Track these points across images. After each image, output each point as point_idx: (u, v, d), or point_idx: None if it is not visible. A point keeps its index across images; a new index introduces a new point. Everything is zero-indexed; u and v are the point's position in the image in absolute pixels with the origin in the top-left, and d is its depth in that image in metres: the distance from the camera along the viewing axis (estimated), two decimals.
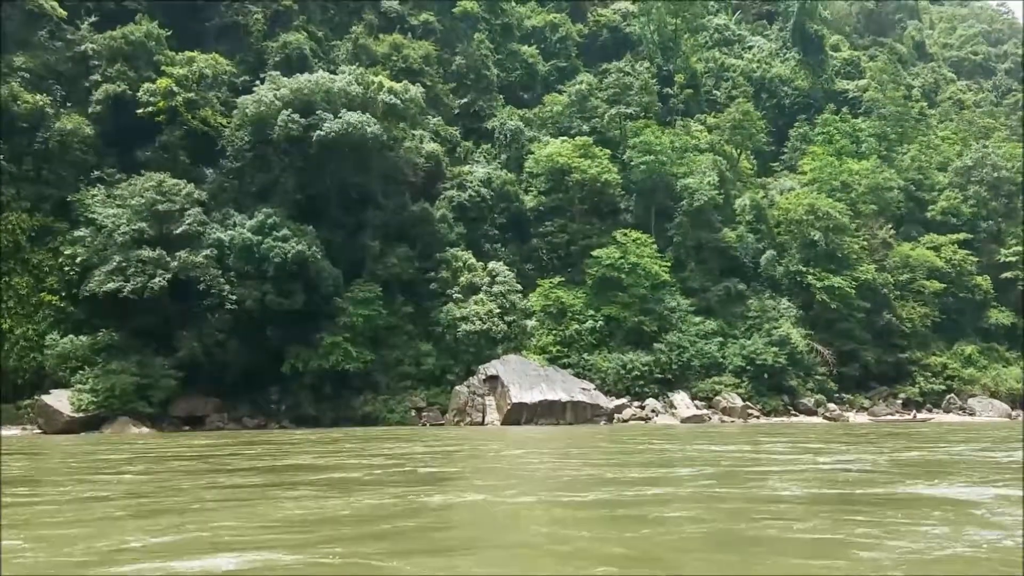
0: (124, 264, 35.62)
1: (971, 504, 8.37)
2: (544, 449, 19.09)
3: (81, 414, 34.10)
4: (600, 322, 44.27)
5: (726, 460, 14.94)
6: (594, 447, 19.64)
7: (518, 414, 35.53)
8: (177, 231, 37.03)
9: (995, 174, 57.39)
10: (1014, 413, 46.23)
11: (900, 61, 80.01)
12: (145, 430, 34.31)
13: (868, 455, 16.02)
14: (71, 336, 36.22)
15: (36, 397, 35.30)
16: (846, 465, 13.69)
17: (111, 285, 35.22)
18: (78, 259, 37.13)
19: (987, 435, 24.72)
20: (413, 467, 13.96)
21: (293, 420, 39.03)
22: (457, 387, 38.33)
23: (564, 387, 36.86)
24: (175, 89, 40.80)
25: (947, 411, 46.87)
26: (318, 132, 39.73)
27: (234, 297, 37.26)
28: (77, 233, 37.35)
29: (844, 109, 65.02)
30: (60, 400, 34.50)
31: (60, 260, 37.71)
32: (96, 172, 39.98)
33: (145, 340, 37.23)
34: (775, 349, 43.79)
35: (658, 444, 20.33)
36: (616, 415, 38.04)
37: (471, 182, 47.75)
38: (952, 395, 48.08)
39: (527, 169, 50.47)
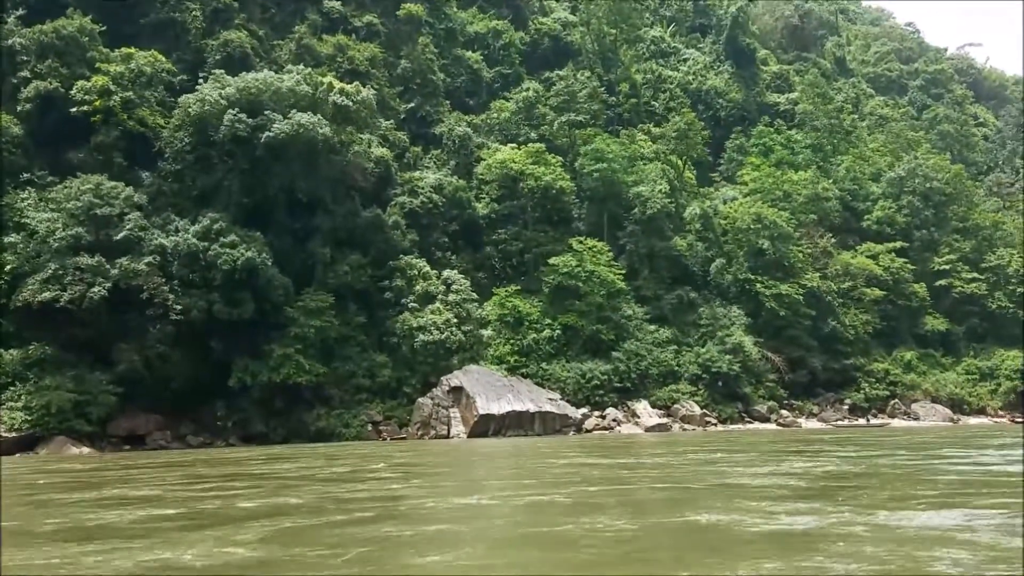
0: (60, 272, 33.14)
1: None
2: (559, 465, 18.11)
3: (14, 434, 31.48)
4: (558, 331, 43.57)
5: (818, 475, 14.28)
6: (618, 468, 18.72)
7: (485, 426, 34.47)
8: (117, 237, 34.70)
9: (927, 184, 59.24)
10: (955, 417, 47.45)
11: (823, 76, 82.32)
12: (85, 450, 31.85)
13: (905, 459, 15.65)
14: (0, 350, 33.50)
15: None
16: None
17: (46, 295, 32.68)
18: (7, 267, 34.39)
19: (970, 440, 24.92)
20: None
21: (241, 438, 37.06)
22: (420, 399, 37.00)
23: (531, 397, 35.99)
24: (111, 87, 38.38)
25: (892, 416, 47.78)
26: (267, 133, 37.95)
27: (179, 307, 35.10)
28: (7, 239, 34.58)
29: (778, 121, 66.17)
30: None
31: None
32: (26, 175, 37.33)
33: (80, 353, 34.71)
34: (729, 357, 43.91)
35: (677, 457, 19.63)
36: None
37: (423, 188, 46.52)
38: (896, 400, 49.04)
39: (479, 175, 49.58)
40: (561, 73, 59.58)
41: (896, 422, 46.02)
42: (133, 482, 15.40)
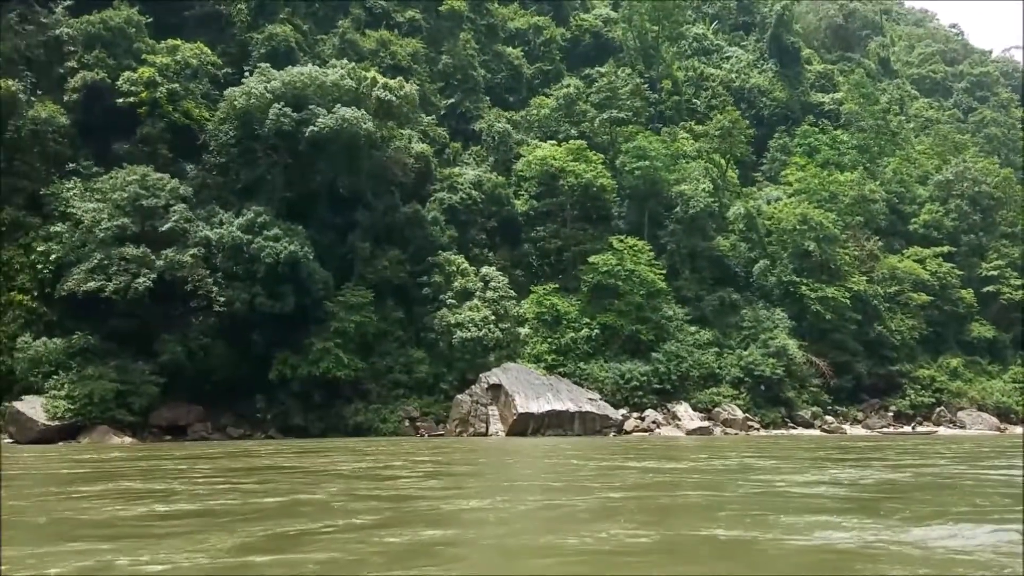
0: (106, 262, 33.26)
1: None
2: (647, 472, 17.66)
3: (57, 422, 31.65)
4: (596, 330, 43.01)
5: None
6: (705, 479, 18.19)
7: (524, 424, 34.08)
8: (162, 228, 34.77)
9: (975, 188, 57.92)
10: (1002, 426, 46.29)
11: (868, 76, 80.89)
12: (127, 440, 31.97)
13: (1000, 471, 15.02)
14: (44, 339, 33.75)
15: (6, 403, 32.68)
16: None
17: (91, 284, 32.83)
18: (52, 256, 34.67)
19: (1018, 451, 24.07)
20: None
21: (280, 430, 37.01)
22: (458, 396, 36.70)
23: (571, 397, 35.54)
24: (157, 79, 38.50)
25: (937, 424, 46.71)
26: (311, 127, 37.84)
27: (222, 299, 35.15)
28: (52, 229, 34.82)
29: (823, 121, 65.07)
30: (34, 407, 32.00)
31: (32, 257, 35.20)
32: (71, 164, 37.54)
33: (123, 344, 34.91)
34: (772, 360, 43.07)
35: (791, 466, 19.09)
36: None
37: (462, 184, 46.21)
38: (942, 408, 47.95)
39: (518, 172, 49.19)
40: (602, 70, 59.06)
41: (942, 430, 44.95)
42: (155, 474, 15.18)
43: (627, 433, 36.78)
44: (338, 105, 38.80)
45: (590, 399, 36.19)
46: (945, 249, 55.15)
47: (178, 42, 40.87)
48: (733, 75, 67.69)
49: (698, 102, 64.70)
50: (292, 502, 10.23)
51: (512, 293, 43.21)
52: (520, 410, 34.06)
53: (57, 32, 39.13)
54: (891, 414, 47.25)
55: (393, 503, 10.17)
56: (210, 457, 20.91)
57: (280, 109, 37.69)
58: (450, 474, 15.61)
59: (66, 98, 38.15)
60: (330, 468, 16.54)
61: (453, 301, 41.32)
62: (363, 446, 26.68)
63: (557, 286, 45.58)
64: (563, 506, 10.00)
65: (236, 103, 38.50)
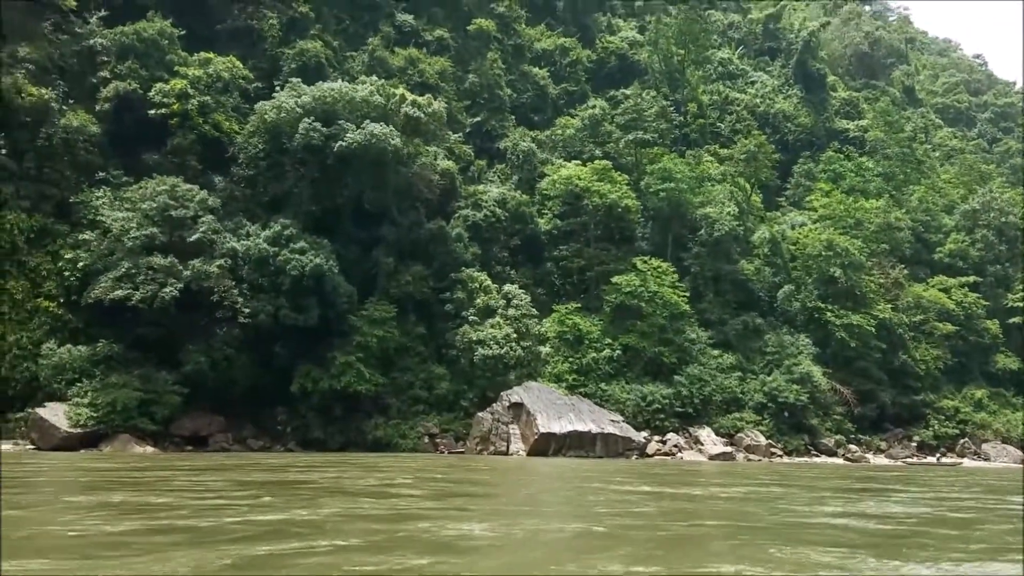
0: (133, 271, 33.33)
1: None
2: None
3: (79, 430, 31.55)
4: (618, 351, 42.79)
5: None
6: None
7: (545, 445, 33.82)
8: (190, 239, 34.86)
9: (1002, 219, 57.44)
10: None
11: (893, 104, 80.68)
12: (149, 449, 31.92)
13: None
14: (68, 346, 33.78)
15: (29, 410, 32.72)
16: None
17: (119, 292, 32.88)
18: (80, 264, 34.72)
19: None
20: None
21: (300, 443, 36.88)
22: (479, 414, 36.50)
23: (593, 418, 35.27)
24: (189, 91, 38.79)
25: (961, 455, 46.09)
26: (340, 142, 37.96)
27: (247, 310, 35.15)
28: (81, 236, 34.96)
29: (848, 148, 64.85)
30: (56, 414, 31.94)
31: (60, 264, 35.25)
32: (101, 173, 37.71)
33: (147, 352, 34.89)
34: (796, 387, 42.65)
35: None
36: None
37: (486, 202, 46.27)
38: (966, 440, 47.30)
39: (543, 191, 49.21)
40: (627, 92, 59.17)
41: (966, 462, 44.31)
42: (160, 487, 14.97)
43: (649, 456, 36.42)
44: (367, 121, 38.96)
45: (612, 421, 35.90)
46: (971, 279, 54.66)
47: (210, 55, 41.20)
48: (758, 100, 67.68)
49: (722, 126, 64.69)
50: (285, 521, 9.90)
51: (534, 311, 43.09)
52: (542, 430, 33.81)
53: (91, 42, 39.46)
54: (915, 444, 46.66)
55: (389, 524, 9.83)
56: (222, 469, 20.77)
57: (310, 124, 37.86)
58: (458, 494, 15.25)
59: (98, 108, 38.39)
60: (338, 484, 16.31)
61: (475, 318, 41.25)
62: (378, 461, 26.50)
63: (579, 305, 45.43)
64: (567, 533, 9.66)
65: (266, 117, 38.73)
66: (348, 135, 38.00)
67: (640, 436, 36.62)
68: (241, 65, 42.42)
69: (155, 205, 34.66)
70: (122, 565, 6.71)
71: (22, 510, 11.04)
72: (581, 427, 34.32)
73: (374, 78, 43.44)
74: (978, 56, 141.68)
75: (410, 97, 42.31)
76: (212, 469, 20.59)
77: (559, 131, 55.30)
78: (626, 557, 7.55)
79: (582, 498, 14.79)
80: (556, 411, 35.09)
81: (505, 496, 15.79)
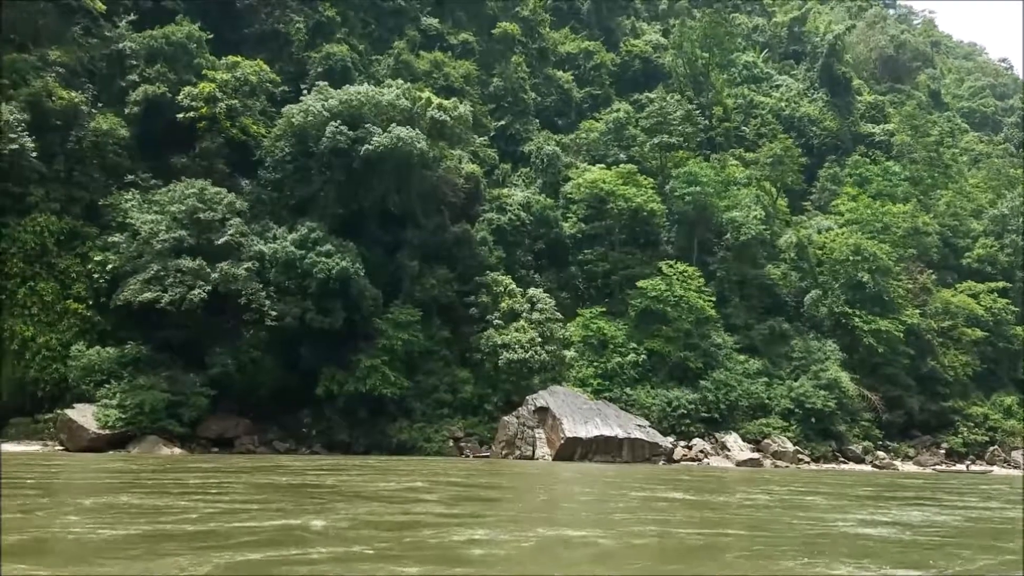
0: (162, 273, 33.52)
1: None
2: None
3: (107, 431, 31.76)
4: (643, 356, 42.52)
5: None
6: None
7: (571, 449, 33.64)
8: (218, 241, 35.02)
9: None
10: None
11: (919, 107, 79.86)
12: (177, 451, 32.04)
13: None
14: (97, 347, 34.00)
15: (58, 411, 32.94)
16: None
17: (148, 295, 33.07)
18: (109, 266, 34.97)
19: None
20: None
21: (325, 446, 36.92)
22: (505, 418, 36.36)
23: (619, 423, 35.04)
24: (217, 95, 38.97)
25: (991, 463, 45.41)
26: (366, 146, 37.99)
27: (274, 313, 35.23)
28: (111, 239, 35.17)
29: (875, 152, 64.23)
30: (85, 415, 32.18)
31: (89, 266, 35.52)
32: (130, 176, 37.96)
33: (173, 355, 35.07)
34: (824, 393, 42.18)
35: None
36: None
37: (511, 205, 46.19)
38: (995, 447, 46.64)
39: (567, 194, 49.09)
40: (651, 95, 58.92)
41: (996, 469, 43.66)
42: (175, 489, 14.91)
43: (675, 462, 36.15)
44: (393, 124, 38.98)
45: (639, 425, 35.65)
46: (1000, 284, 53.87)
47: (238, 59, 41.41)
48: (783, 103, 67.15)
49: (747, 130, 64.19)
50: (292, 526, 9.73)
51: (558, 315, 42.91)
52: (568, 434, 33.63)
53: (120, 46, 39.81)
54: (943, 451, 46.03)
55: (396, 531, 9.61)
56: (243, 471, 20.75)
57: (337, 127, 37.94)
58: (475, 499, 14.99)
59: (127, 111, 38.70)
60: (355, 488, 16.15)
61: (500, 322, 41.13)
62: (400, 465, 26.41)
63: (604, 310, 45.19)
64: (578, 543, 9.35)
65: (293, 120, 38.87)
66: (375, 138, 38.03)
67: (667, 441, 36.34)
68: (268, 69, 42.60)
69: (184, 208, 34.84)
70: (101, 571, 6.57)
71: (30, 513, 10.93)
72: (608, 432, 34.10)
73: (400, 81, 43.51)
74: (1004, 60, 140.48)
75: (436, 101, 42.31)
76: (233, 471, 20.60)
77: (583, 135, 55.17)
78: (636, 568, 7.33)
79: (605, 505, 14.57)
80: (582, 416, 34.91)
81: (524, 501, 15.55)
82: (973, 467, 43.25)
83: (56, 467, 21.00)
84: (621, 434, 34.29)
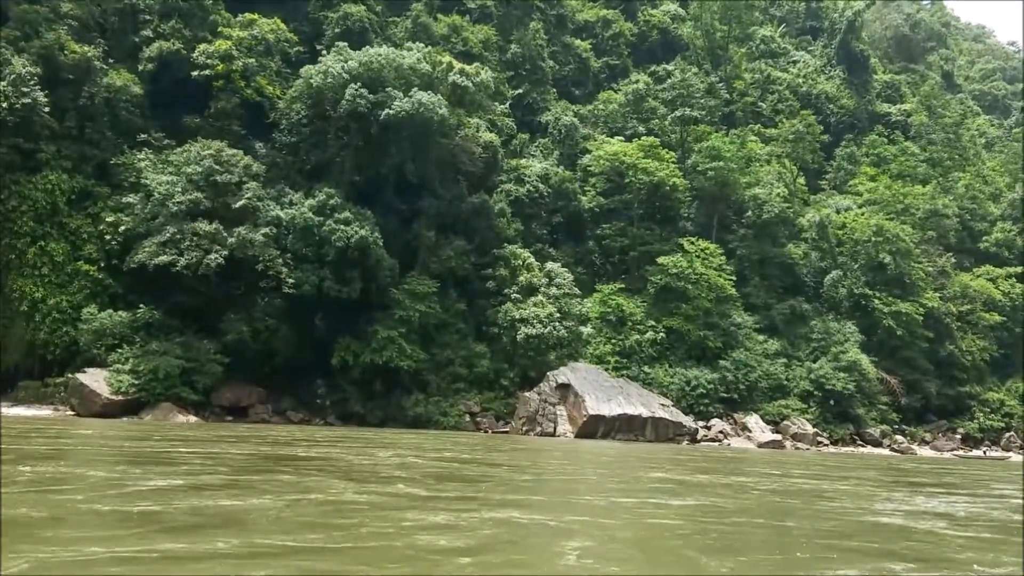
0: (178, 236, 32.47)
1: None
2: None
3: (120, 397, 30.92)
4: (661, 333, 41.75)
5: None
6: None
7: (594, 427, 32.99)
8: (235, 205, 33.98)
9: None
10: None
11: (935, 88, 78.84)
12: (192, 418, 31.19)
13: None
14: (109, 311, 33.03)
15: (68, 375, 32.05)
16: None
17: (163, 258, 32.04)
18: (121, 227, 33.94)
19: None
20: None
21: (339, 417, 36.13)
22: (525, 393, 35.64)
23: (642, 402, 34.39)
24: (233, 53, 37.70)
25: (1007, 449, 45.04)
26: (387, 110, 36.81)
27: (291, 280, 34.26)
28: (124, 199, 34.09)
29: (895, 132, 63.30)
30: (97, 380, 31.31)
31: (100, 227, 34.47)
32: (142, 135, 36.81)
33: (185, 320, 34.12)
34: (843, 375, 41.57)
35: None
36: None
37: (529, 176, 45.16)
38: (1011, 433, 46.26)
39: (586, 166, 48.03)
40: (669, 67, 57.76)
41: (1013, 456, 43.28)
42: (179, 461, 13.89)
43: (698, 442, 35.54)
44: (414, 89, 37.79)
45: (662, 405, 35.03)
46: (1019, 269, 53.27)
47: (254, 16, 40.08)
48: (800, 80, 66.04)
49: (764, 105, 63.16)
50: (239, 509, 8.64)
51: (576, 291, 42.07)
52: (591, 412, 32.95)
53: (133, 0, 38.43)
54: (959, 436, 45.63)
55: (359, 516, 8.45)
56: (249, 441, 19.97)
57: (356, 90, 36.71)
58: (481, 479, 13.90)
59: (140, 67, 37.45)
60: (357, 463, 15.18)
61: (518, 296, 40.22)
62: (413, 439, 25.59)
63: (622, 286, 44.35)
64: (592, 530, 8.32)
65: (312, 81, 37.63)
66: (396, 103, 36.87)
67: (690, 421, 35.69)
68: (285, 27, 41.26)
69: (200, 169, 33.75)
70: (66, 547, 5.85)
71: (34, 487, 9.90)
72: (631, 410, 33.45)
73: (420, 44, 42.20)
74: (1012, 43, 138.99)
75: (458, 66, 41.17)
76: (239, 440, 19.83)
77: (601, 106, 54.00)
78: (645, 563, 6.51)
79: (624, 487, 13.69)
80: (605, 393, 34.22)
81: (537, 482, 14.40)
82: (991, 453, 42.85)
83: (67, 433, 20.11)
84: (645, 413, 33.65)
